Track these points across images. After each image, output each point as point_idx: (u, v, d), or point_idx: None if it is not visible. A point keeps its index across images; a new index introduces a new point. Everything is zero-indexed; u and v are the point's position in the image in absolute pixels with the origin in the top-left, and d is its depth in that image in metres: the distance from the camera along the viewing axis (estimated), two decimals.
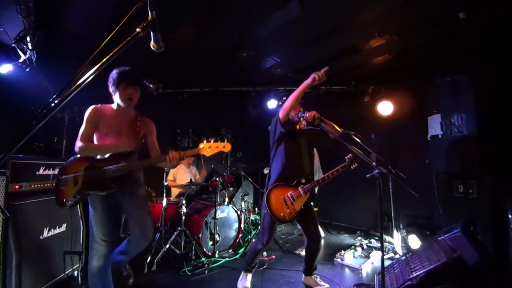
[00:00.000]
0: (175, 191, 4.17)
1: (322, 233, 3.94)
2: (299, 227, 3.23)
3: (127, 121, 2.00)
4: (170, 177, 4.18)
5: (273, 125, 2.52)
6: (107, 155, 1.89)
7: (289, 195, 2.34)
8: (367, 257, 3.33)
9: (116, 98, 1.95)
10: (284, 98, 4.46)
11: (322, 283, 2.54)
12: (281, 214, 2.33)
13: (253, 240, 3.53)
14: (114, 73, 1.92)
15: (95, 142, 1.94)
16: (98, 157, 1.90)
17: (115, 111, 1.99)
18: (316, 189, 3.55)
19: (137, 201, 2.00)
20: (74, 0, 2.48)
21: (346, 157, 2.35)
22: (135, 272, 2.55)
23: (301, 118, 2.44)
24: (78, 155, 1.86)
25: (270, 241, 2.43)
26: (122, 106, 1.96)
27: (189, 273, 2.87)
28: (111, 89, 1.95)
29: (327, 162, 2.73)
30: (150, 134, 2.11)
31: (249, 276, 2.57)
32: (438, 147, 3.32)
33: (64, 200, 1.81)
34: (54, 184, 1.87)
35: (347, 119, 3.49)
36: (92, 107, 1.94)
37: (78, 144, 1.84)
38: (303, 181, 2.37)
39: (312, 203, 2.52)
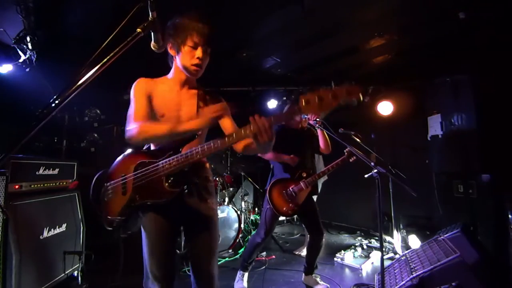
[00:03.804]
0: None
1: None
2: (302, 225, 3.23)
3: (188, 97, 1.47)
4: None
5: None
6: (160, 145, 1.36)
7: (291, 189, 2.39)
8: (367, 257, 3.33)
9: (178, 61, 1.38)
10: (284, 98, 4.47)
11: (322, 282, 2.54)
12: (284, 209, 2.37)
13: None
14: (178, 20, 1.36)
15: None
16: (153, 148, 1.40)
17: (172, 81, 1.45)
18: (320, 186, 3.56)
19: (201, 219, 1.42)
20: (74, 0, 2.48)
21: (345, 151, 2.41)
22: (135, 271, 2.54)
23: (304, 119, 2.52)
24: (129, 150, 1.34)
25: (268, 235, 2.46)
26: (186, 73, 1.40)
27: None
28: (170, 44, 1.37)
29: (328, 157, 2.75)
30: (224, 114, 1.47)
31: (246, 276, 2.56)
32: (438, 147, 3.32)
33: (109, 217, 1.28)
34: (94, 195, 1.35)
35: (347, 119, 3.49)
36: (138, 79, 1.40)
37: (132, 125, 1.25)
38: (305, 174, 2.44)
39: (314, 197, 2.54)
